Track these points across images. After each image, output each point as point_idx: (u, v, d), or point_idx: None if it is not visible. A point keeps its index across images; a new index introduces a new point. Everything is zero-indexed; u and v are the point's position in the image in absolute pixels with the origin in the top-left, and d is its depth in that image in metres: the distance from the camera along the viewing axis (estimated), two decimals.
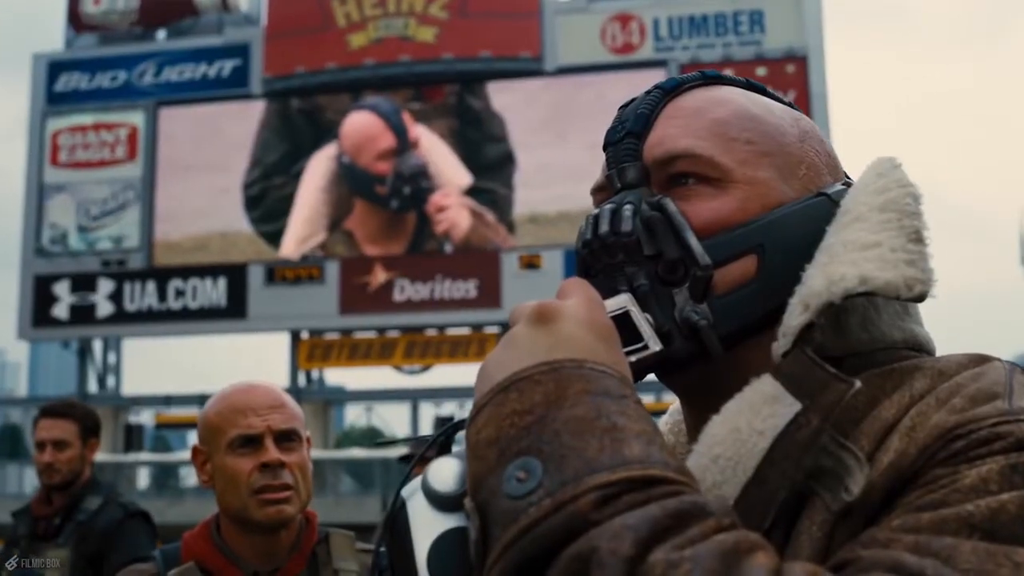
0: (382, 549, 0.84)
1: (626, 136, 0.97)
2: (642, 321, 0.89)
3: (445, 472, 0.80)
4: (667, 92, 0.99)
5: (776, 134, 0.97)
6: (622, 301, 0.90)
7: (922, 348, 0.95)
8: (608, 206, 0.94)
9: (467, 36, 27.60)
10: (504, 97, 27.36)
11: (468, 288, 26.34)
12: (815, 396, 0.82)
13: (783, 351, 0.86)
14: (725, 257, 0.91)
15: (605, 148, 1.00)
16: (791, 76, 25.54)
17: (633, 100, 1.01)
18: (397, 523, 0.81)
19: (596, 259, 0.94)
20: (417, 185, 27.13)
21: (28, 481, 27.71)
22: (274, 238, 27.81)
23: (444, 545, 0.77)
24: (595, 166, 1.02)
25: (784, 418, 0.82)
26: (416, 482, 0.82)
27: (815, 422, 0.81)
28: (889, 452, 0.78)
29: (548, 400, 0.71)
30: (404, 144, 27.33)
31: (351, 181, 27.44)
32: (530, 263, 26.03)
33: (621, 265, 0.92)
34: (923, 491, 0.73)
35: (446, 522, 0.78)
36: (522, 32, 27.42)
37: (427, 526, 0.79)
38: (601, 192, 1.00)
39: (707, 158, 0.93)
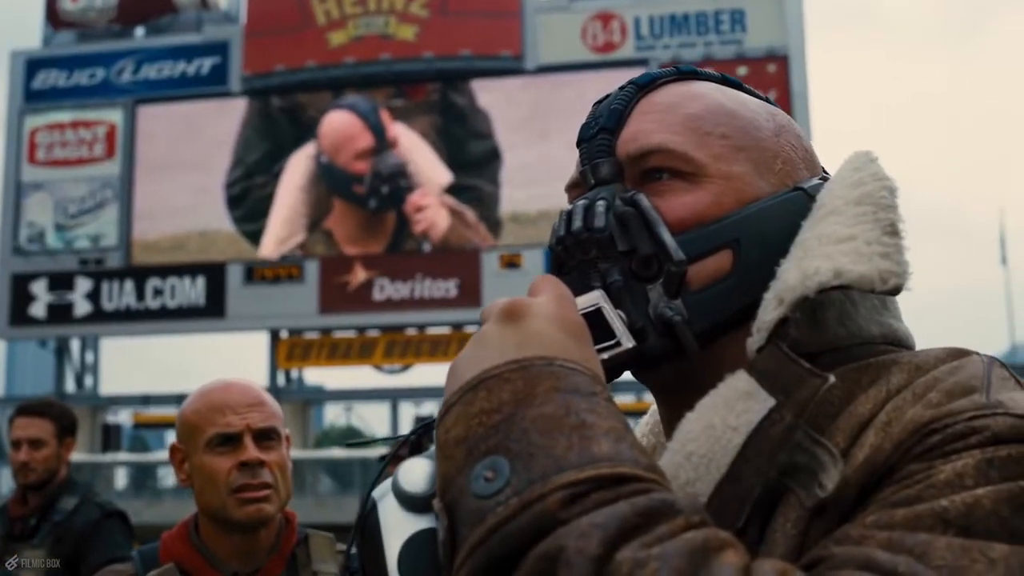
0: (353, 551, 0.84)
1: (599, 132, 0.97)
2: (614, 318, 0.88)
3: (416, 473, 0.80)
4: (641, 87, 0.99)
5: (751, 128, 0.96)
6: (594, 298, 0.88)
7: (901, 343, 0.94)
8: (581, 202, 0.93)
9: (448, 34, 27.58)
10: (485, 96, 27.35)
11: (448, 287, 26.32)
12: (790, 392, 0.81)
13: (757, 346, 0.85)
14: (699, 252, 0.89)
15: (579, 144, 0.99)
16: (772, 75, 25.63)
17: (608, 96, 1.00)
18: (368, 525, 0.80)
19: (569, 255, 0.93)
20: (396, 185, 27.08)
21: (4, 481, 27.53)
22: (256, 237, 27.72)
23: (415, 546, 0.77)
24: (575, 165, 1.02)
25: (758, 414, 0.81)
26: (387, 483, 0.81)
27: (789, 418, 0.80)
28: (864, 448, 0.77)
29: (517, 398, 0.70)
30: (382, 143, 27.28)
31: (329, 180, 27.36)
32: (510, 262, 26.04)
33: (594, 261, 0.91)
34: (898, 487, 0.72)
35: (417, 523, 0.78)
36: (503, 31, 27.43)
37: (398, 527, 0.78)
38: (575, 188, 0.99)
39: (680, 153, 0.93)
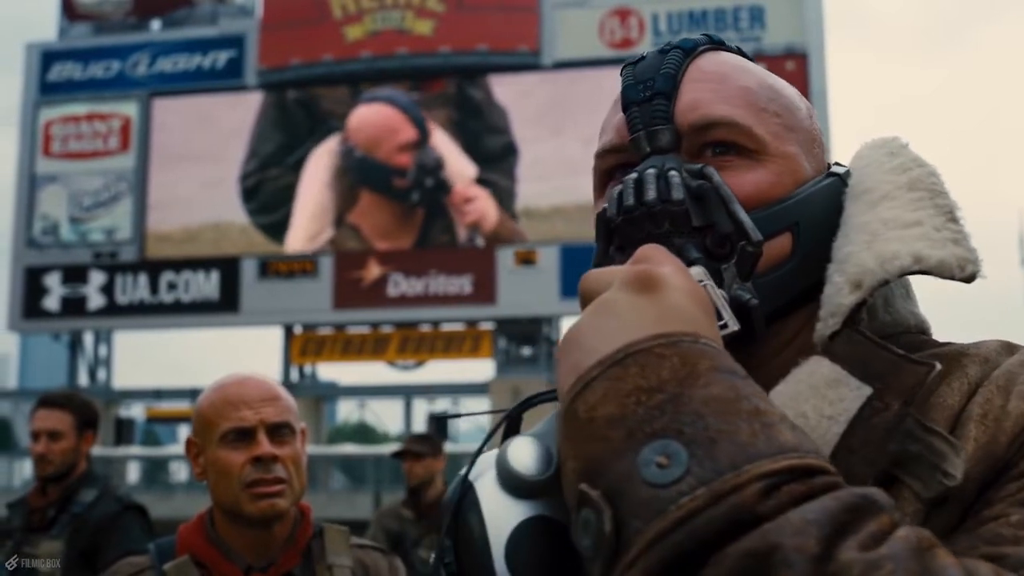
0: (448, 542, 0.77)
1: (655, 96, 0.90)
2: (719, 297, 0.80)
3: (524, 453, 0.73)
4: (687, 52, 0.93)
5: (794, 108, 0.94)
6: (698, 274, 0.81)
7: (926, 332, 0.94)
8: (651, 171, 0.86)
9: (464, 30, 27.57)
10: (501, 90, 27.33)
11: (463, 283, 26.31)
12: (886, 379, 0.79)
13: (831, 331, 0.82)
14: (766, 234, 0.85)
15: (626, 108, 0.92)
16: (791, 73, 25.50)
17: (643, 58, 0.94)
18: (463, 510, 0.74)
19: (637, 228, 0.86)
20: (437, 177, 27.00)
21: (18, 474, 27.70)
22: (271, 230, 27.75)
23: (524, 535, 0.71)
24: (590, 160, 0.96)
25: (855, 402, 0.78)
26: (481, 465, 0.76)
27: (896, 406, 0.77)
28: (969, 440, 0.74)
29: (677, 377, 0.63)
30: (424, 136, 27.19)
31: (361, 174, 27.21)
32: (525, 259, 26.00)
33: (668, 235, 0.85)
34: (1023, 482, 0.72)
35: (523, 509, 0.72)
36: (520, 26, 27.40)
37: (502, 515, 0.72)
38: (614, 154, 0.93)
39: (746, 128, 0.89)
